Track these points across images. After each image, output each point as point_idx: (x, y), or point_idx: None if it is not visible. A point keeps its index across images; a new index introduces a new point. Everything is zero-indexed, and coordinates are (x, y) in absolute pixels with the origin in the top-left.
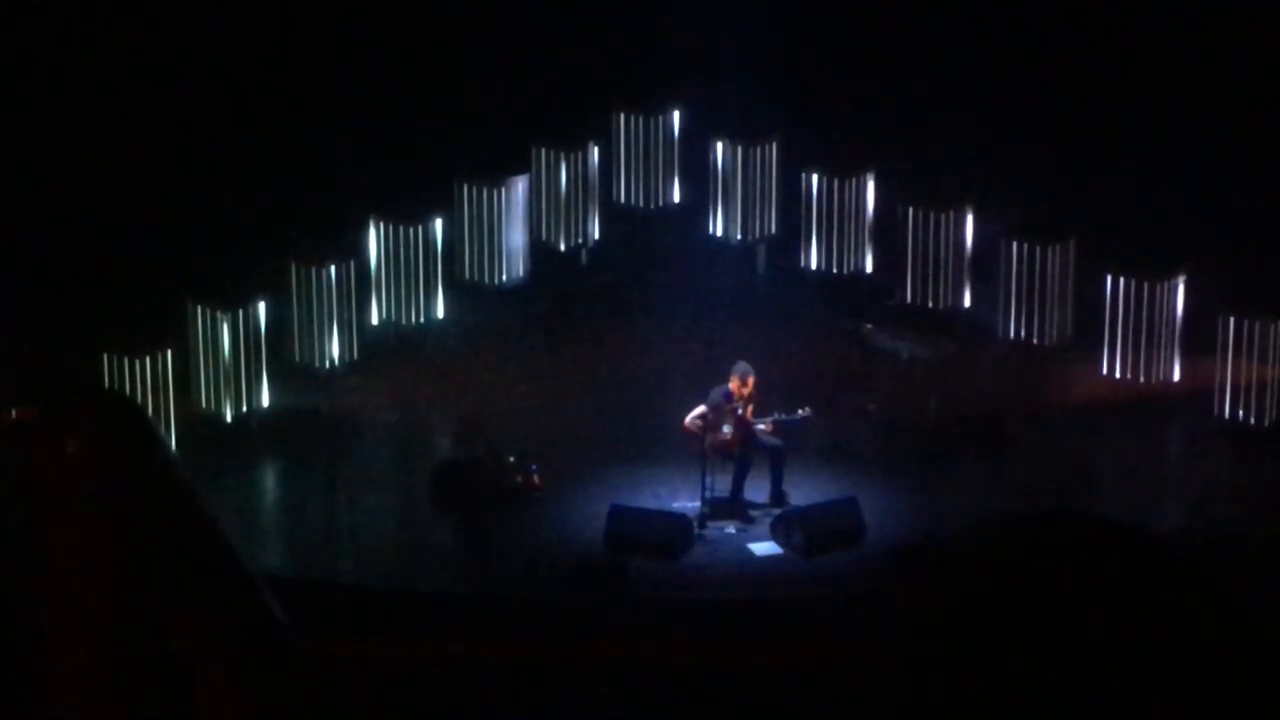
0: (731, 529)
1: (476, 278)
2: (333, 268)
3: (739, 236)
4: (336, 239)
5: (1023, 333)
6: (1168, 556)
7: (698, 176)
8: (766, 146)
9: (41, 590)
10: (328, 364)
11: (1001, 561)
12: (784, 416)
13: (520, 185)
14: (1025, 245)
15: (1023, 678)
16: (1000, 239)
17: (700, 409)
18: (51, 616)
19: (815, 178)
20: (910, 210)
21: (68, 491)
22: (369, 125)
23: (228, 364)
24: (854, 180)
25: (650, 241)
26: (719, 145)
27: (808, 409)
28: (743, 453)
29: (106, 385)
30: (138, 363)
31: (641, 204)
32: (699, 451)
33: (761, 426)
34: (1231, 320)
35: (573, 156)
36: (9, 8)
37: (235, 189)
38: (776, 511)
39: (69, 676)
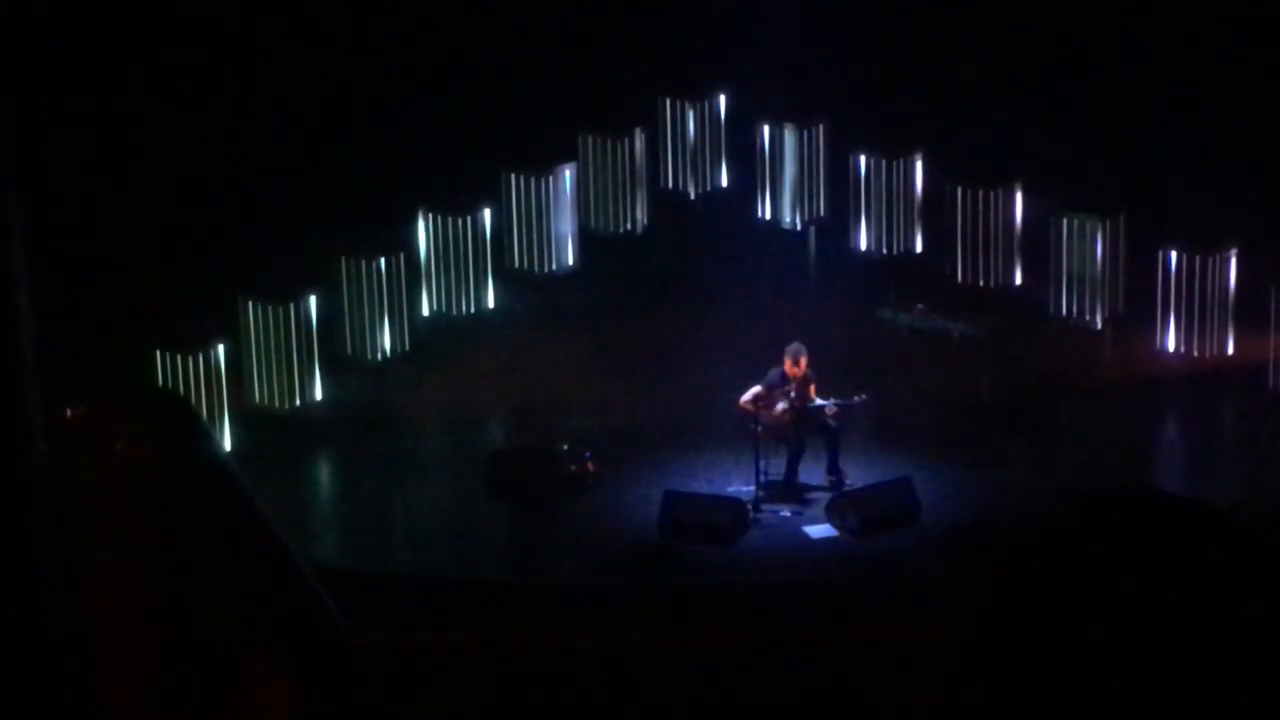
0: (786, 512)
1: (525, 267)
2: (383, 260)
3: (787, 219)
4: (386, 231)
5: (1074, 309)
6: (1232, 530)
7: (746, 160)
8: (813, 129)
9: (90, 585)
10: (379, 356)
11: (1070, 537)
12: (840, 401)
13: (567, 174)
14: (1075, 221)
15: (1095, 650)
16: (1050, 216)
17: (756, 389)
18: (100, 611)
19: (863, 159)
20: (959, 189)
21: (116, 488)
22: (416, 118)
23: (280, 358)
24: (902, 160)
25: (699, 226)
26: (765, 129)
27: (864, 394)
28: (797, 435)
29: (156, 383)
30: (190, 358)
31: (690, 189)
32: (753, 435)
33: (828, 407)
34: None
35: (619, 144)
36: (68, 13)
37: (285, 183)
38: (831, 494)
39: (118, 671)
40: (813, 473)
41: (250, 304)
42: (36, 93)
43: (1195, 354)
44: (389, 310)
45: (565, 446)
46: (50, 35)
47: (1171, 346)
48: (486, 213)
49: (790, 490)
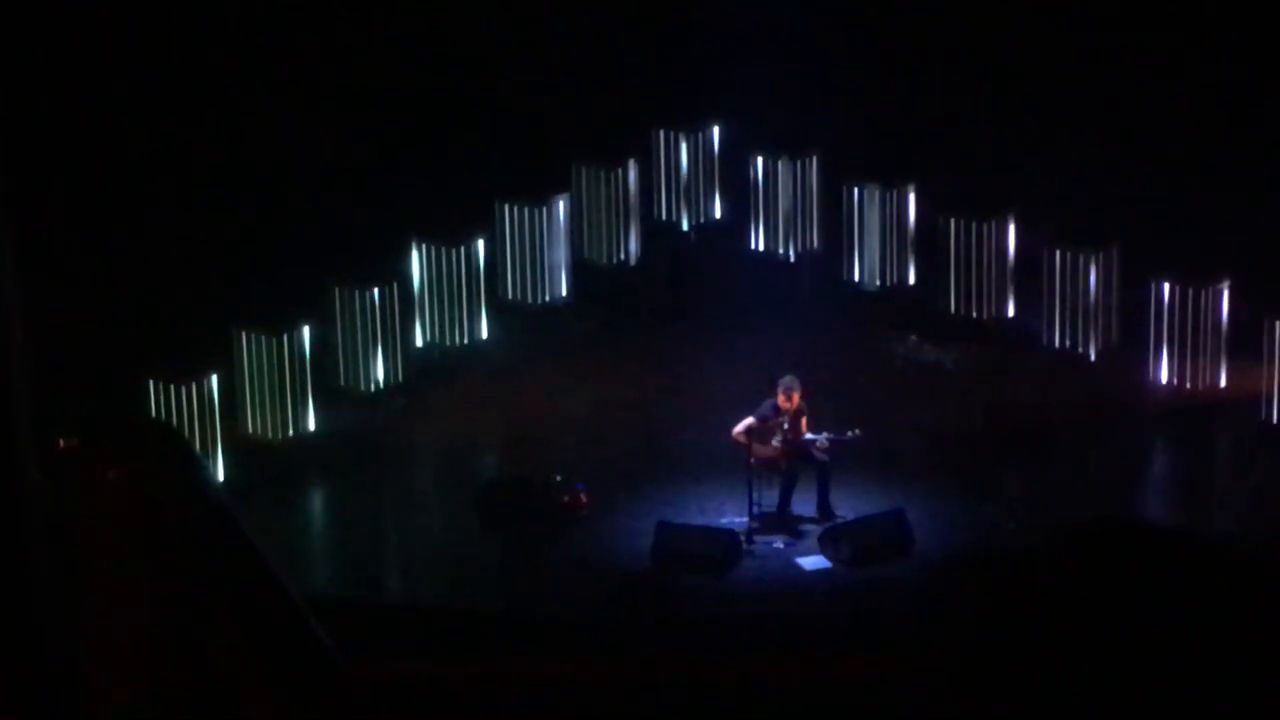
0: (779, 543)
1: (519, 297)
2: (376, 290)
3: (781, 251)
4: (380, 262)
5: (1068, 341)
6: (1224, 561)
7: (740, 192)
8: (806, 160)
9: (84, 613)
10: (373, 386)
11: (1063, 569)
12: (834, 436)
13: (561, 204)
14: (1069, 254)
15: (1087, 679)
16: (1043, 248)
17: (749, 420)
18: (94, 639)
19: (857, 190)
20: (952, 221)
21: (109, 518)
22: (411, 147)
23: (273, 388)
24: (895, 192)
25: (693, 257)
26: (759, 160)
27: (858, 430)
28: (789, 467)
29: (148, 414)
30: (184, 389)
31: (684, 220)
32: (746, 466)
33: (817, 441)
34: (1278, 325)
35: (613, 175)
36: (54, 34)
37: (278, 214)
38: (824, 525)
39: (109, 703)
40: (806, 504)
41: (244, 334)
42: (28, 121)
43: (1188, 386)
44: (382, 341)
45: (558, 477)
46: (42, 61)
47: (1164, 378)
48: (480, 243)
49: (783, 521)
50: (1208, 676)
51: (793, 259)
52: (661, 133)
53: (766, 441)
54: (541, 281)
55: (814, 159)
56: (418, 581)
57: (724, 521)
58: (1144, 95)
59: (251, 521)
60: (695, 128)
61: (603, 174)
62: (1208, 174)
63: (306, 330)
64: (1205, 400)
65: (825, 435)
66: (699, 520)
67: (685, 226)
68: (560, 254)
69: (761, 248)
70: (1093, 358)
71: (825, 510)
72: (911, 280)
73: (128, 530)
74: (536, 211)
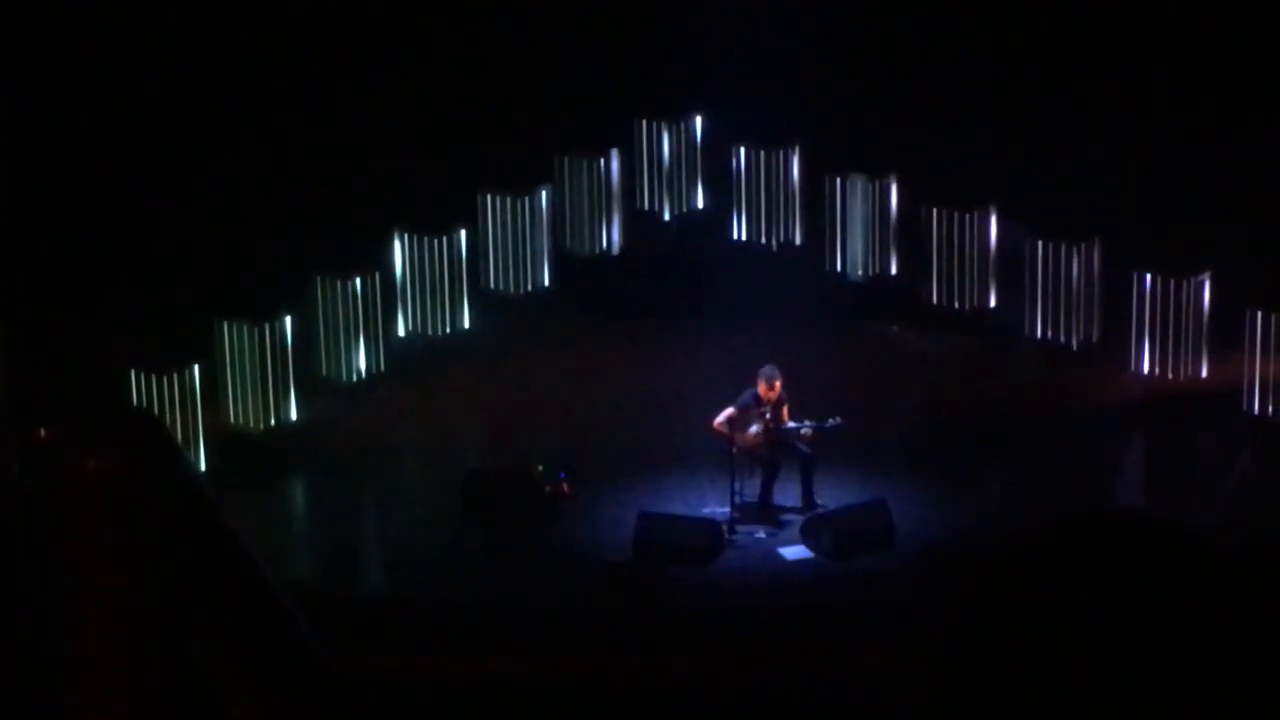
0: (761, 533)
1: (501, 287)
2: (358, 280)
3: (763, 241)
4: (361, 252)
5: (1049, 332)
6: (1213, 553)
7: (722, 182)
8: (788, 151)
9: (61, 608)
10: (355, 376)
11: (1048, 559)
12: (815, 424)
13: (543, 194)
14: (1050, 244)
15: (1073, 674)
16: (1025, 239)
17: (729, 410)
18: (71, 634)
19: (839, 180)
20: (935, 211)
21: (88, 509)
22: (393, 137)
23: (255, 378)
24: (878, 183)
25: (674, 247)
26: (741, 150)
27: (839, 418)
28: (771, 457)
29: (129, 403)
30: (165, 379)
31: (666, 210)
32: (728, 456)
33: (802, 430)
34: (1259, 316)
35: (595, 164)
36: (36, 24)
37: (260, 203)
38: (806, 515)
39: (88, 695)
40: (787, 494)
41: (225, 324)
42: (9, 114)
43: (1169, 376)
44: (364, 330)
45: (540, 467)
46: (38, 62)
47: (1146, 369)
48: (462, 233)
49: (765, 511)
50: (1201, 672)
51: (775, 249)
52: (644, 123)
53: (748, 432)
54: (523, 271)
55: (796, 149)
56: (399, 572)
57: (705, 511)
58: (1126, 86)
59: (232, 512)
60: (677, 118)
61: (585, 164)
62: (1189, 165)
63: (288, 320)
64: (1187, 390)
65: (807, 423)
66: (680, 510)
67: (667, 217)
68: (542, 244)
69: (744, 238)
70: (1074, 348)
71: (809, 501)
72: (893, 270)
73: (108, 520)
74: (518, 201)
